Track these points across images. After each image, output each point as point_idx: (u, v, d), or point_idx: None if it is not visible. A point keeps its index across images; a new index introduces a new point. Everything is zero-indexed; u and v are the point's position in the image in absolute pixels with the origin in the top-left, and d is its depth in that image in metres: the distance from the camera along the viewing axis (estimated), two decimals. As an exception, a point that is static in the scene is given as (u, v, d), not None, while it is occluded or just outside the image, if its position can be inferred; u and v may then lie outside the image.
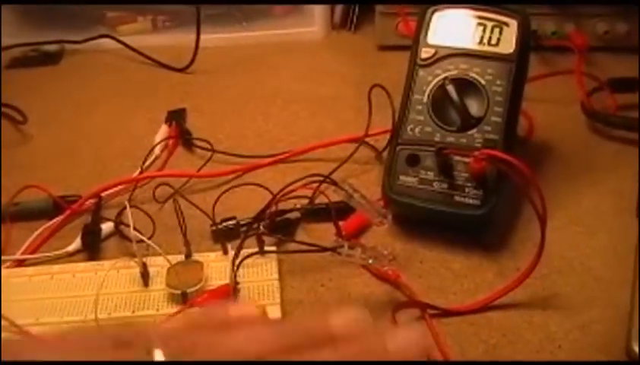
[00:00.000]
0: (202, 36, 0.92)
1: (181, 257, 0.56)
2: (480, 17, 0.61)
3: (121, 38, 0.97)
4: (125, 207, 0.60)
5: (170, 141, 0.74)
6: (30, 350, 0.32)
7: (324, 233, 0.60)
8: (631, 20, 0.85)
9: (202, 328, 0.34)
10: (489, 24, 0.61)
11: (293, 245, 0.57)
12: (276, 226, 0.59)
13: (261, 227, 0.56)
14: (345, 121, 0.77)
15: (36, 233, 0.62)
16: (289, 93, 0.84)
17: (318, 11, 0.98)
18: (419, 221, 0.60)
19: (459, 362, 0.49)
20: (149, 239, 0.58)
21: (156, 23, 1.01)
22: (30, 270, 0.58)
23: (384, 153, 0.67)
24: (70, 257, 0.60)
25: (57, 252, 0.60)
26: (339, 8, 1.00)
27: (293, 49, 0.95)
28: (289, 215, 0.60)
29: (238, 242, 0.55)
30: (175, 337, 0.33)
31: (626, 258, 0.55)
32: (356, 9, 0.99)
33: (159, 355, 0.31)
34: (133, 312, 0.52)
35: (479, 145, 0.58)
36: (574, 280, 0.55)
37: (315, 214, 0.61)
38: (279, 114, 0.80)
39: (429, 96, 0.60)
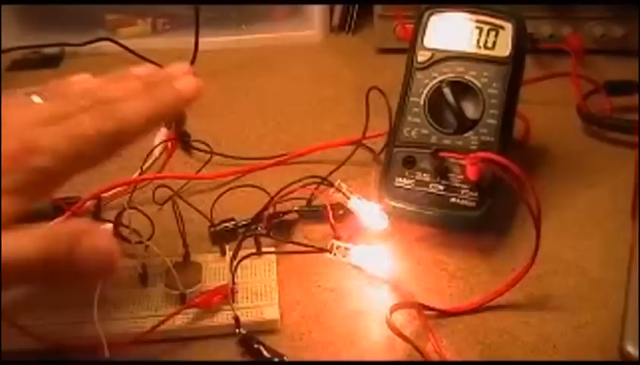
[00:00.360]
0: (201, 39, 0.92)
1: (179, 258, 0.56)
2: (476, 21, 0.62)
3: (121, 41, 0.98)
4: (124, 209, 0.60)
5: (169, 143, 0.74)
6: None
7: (321, 234, 0.60)
8: (627, 24, 0.85)
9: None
10: (485, 27, 0.61)
11: (290, 246, 0.57)
12: (274, 228, 0.59)
13: (259, 229, 0.56)
14: (343, 123, 0.77)
15: None
16: (288, 96, 0.85)
17: (317, 13, 0.98)
18: (415, 222, 0.60)
19: (458, 362, 0.49)
20: (148, 240, 0.58)
21: (155, 26, 1.02)
22: (29, 271, 0.58)
23: (382, 156, 0.67)
24: (69, 258, 0.60)
25: (56, 254, 0.60)
26: (338, 11, 1.01)
27: (292, 52, 0.96)
28: (286, 217, 0.60)
29: (236, 243, 0.56)
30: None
31: (621, 260, 0.55)
32: (355, 12, 0.99)
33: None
34: (131, 312, 0.52)
35: (475, 147, 0.58)
36: (569, 281, 0.55)
37: (313, 215, 0.61)
38: (277, 116, 0.80)
39: (425, 98, 0.61)
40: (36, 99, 0.40)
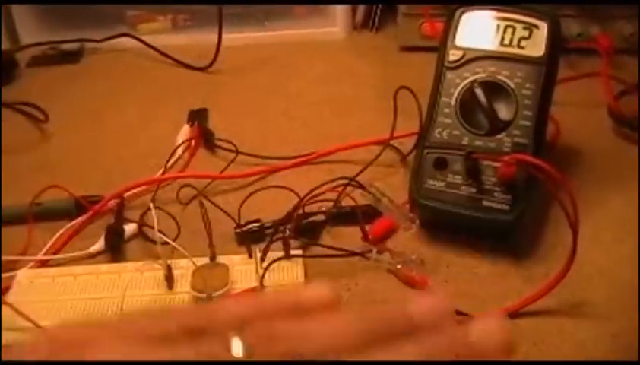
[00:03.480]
0: (223, 36, 0.91)
1: (205, 259, 0.56)
2: (508, 20, 0.60)
3: (142, 37, 0.97)
4: (148, 208, 0.59)
5: (192, 142, 0.74)
6: (73, 348, 0.26)
7: (349, 236, 0.59)
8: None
9: (274, 314, 0.29)
10: (519, 26, 0.60)
11: (319, 250, 0.56)
12: (301, 229, 0.58)
13: (287, 230, 0.55)
14: (368, 122, 0.76)
15: (59, 233, 0.62)
16: (312, 94, 0.83)
17: (340, 11, 0.97)
18: (446, 226, 0.59)
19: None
20: (173, 241, 0.58)
21: (176, 23, 1.01)
22: (52, 271, 0.57)
23: (410, 157, 0.66)
24: (92, 258, 0.60)
25: (80, 253, 0.59)
26: (361, 8, 0.99)
27: (315, 50, 0.95)
28: (314, 218, 0.59)
29: (262, 244, 0.55)
30: (248, 323, 0.28)
31: (657, 265, 0.54)
32: (378, 9, 0.98)
33: (237, 345, 0.27)
34: (158, 315, 0.52)
35: (508, 149, 0.57)
36: (603, 287, 0.54)
37: (341, 217, 0.60)
38: (302, 115, 0.79)
39: (457, 99, 0.60)
40: (237, 343, 0.27)
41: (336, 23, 0.97)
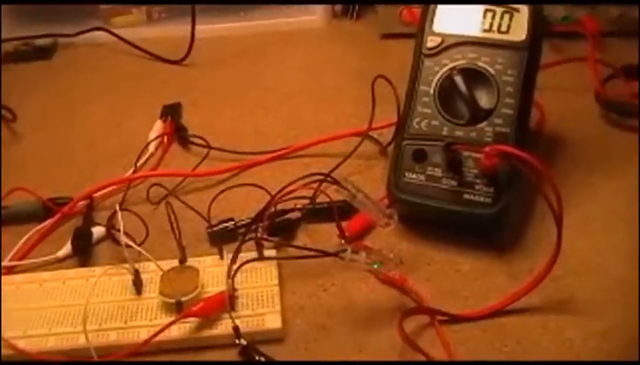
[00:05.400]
0: (198, 27, 0.89)
1: (176, 262, 0.53)
2: (489, 3, 0.58)
3: (116, 30, 0.94)
4: (115, 211, 0.57)
5: (165, 138, 0.71)
6: None
7: (326, 233, 0.57)
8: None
9: None
10: (499, 10, 0.57)
11: (293, 251, 0.53)
12: (276, 228, 0.56)
13: (260, 231, 0.53)
14: (348, 113, 0.74)
15: (25, 237, 0.60)
16: (290, 85, 0.81)
17: (319, -1, 0.94)
18: (426, 221, 0.56)
19: (460, 362, 0.46)
20: (142, 243, 0.55)
21: (151, 15, 0.98)
22: (18, 277, 0.55)
23: (390, 148, 0.64)
24: (60, 263, 0.57)
25: (47, 258, 0.57)
26: (340, -4, 0.96)
27: (293, 39, 0.92)
28: (289, 215, 0.57)
29: (236, 244, 0.52)
30: None
31: (647, 257, 0.52)
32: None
33: None
34: (125, 322, 0.49)
35: (489, 139, 0.54)
36: (591, 281, 0.52)
37: (317, 214, 0.58)
38: (279, 107, 0.77)
39: (435, 87, 0.57)
40: None
41: (315, 11, 0.95)
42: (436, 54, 0.58)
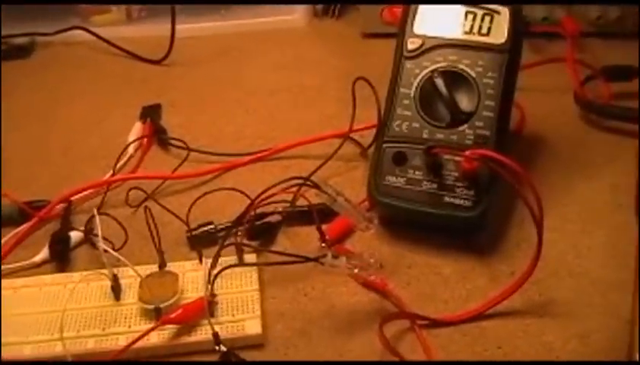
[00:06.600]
0: (178, 26, 0.88)
1: (155, 267, 0.53)
2: (469, 5, 0.58)
3: (95, 29, 0.93)
4: (93, 215, 0.56)
5: (144, 140, 0.70)
6: None
7: (307, 236, 0.57)
8: (623, 5, 0.81)
9: None
10: (479, 12, 0.57)
11: (273, 256, 0.53)
12: (256, 231, 0.55)
13: (240, 235, 0.52)
14: (329, 114, 0.73)
15: (1, 242, 0.58)
16: (270, 85, 0.80)
17: (300, -2, 0.94)
18: (406, 224, 0.56)
19: (455, 362, 0.46)
20: (121, 247, 0.55)
21: (130, 13, 0.97)
22: (-8, 283, 0.54)
23: (370, 150, 0.63)
24: (37, 268, 0.56)
25: (23, 263, 0.56)
26: (321, -5, 0.96)
27: (274, 38, 0.92)
28: (269, 219, 0.56)
29: (215, 248, 0.52)
30: None
31: (626, 258, 0.52)
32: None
33: None
34: (103, 329, 0.49)
35: (470, 142, 0.55)
36: (571, 284, 0.52)
37: (297, 217, 0.57)
38: (259, 108, 0.76)
39: (416, 89, 0.57)
40: None
41: (296, 10, 0.94)
42: (417, 56, 0.58)
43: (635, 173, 0.57)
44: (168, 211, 0.58)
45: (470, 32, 0.57)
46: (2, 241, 0.59)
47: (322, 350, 0.48)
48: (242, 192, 0.57)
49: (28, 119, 0.78)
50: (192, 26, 0.93)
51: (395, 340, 0.47)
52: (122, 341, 0.47)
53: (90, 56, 0.92)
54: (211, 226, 0.56)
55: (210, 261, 0.51)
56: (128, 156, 0.68)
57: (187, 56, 0.88)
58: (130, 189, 0.61)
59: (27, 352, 0.47)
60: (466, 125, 0.55)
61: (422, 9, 0.59)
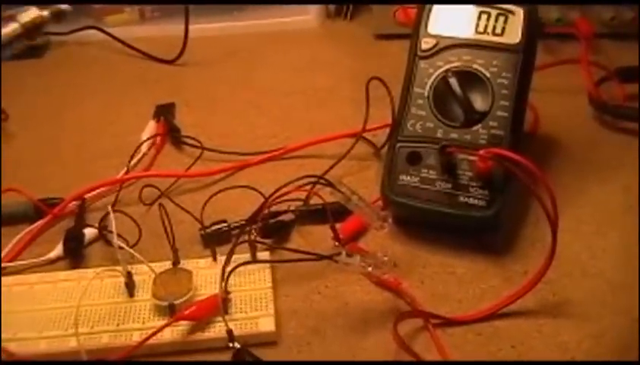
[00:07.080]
0: (192, 26, 0.88)
1: (169, 264, 0.53)
2: (483, 5, 0.58)
3: (108, 29, 0.94)
4: (107, 212, 0.56)
5: (158, 139, 0.71)
6: None
7: (320, 235, 0.57)
8: (637, 6, 0.81)
9: None
10: (494, 12, 0.57)
11: (287, 253, 0.53)
12: (269, 230, 0.55)
13: (253, 233, 0.52)
14: (342, 114, 0.73)
15: (16, 238, 0.59)
16: (283, 86, 0.81)
17: (313, -1, 0.94)
18: (421, 223, 0.56)
19: (455, 362, 0.46)
20: (135, 244, 0.55)
21: (144, 14, 0.98)
22: (9, 279, 0.54)
23: (384, 150, 0.63)
24: (51, 264, 0.56)
25: (37, 260, 0.56)
26: (334, -4, 0.96)
27: (287, 39, 0.92)
28: (283, 217, 0.57)
29: (229, 246, 0.52)
30: None
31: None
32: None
33: None
34: (117, 325, 0.49)
35: (484, 142, 0.54)
36: (585, 284, 0.51)
37: (311, 215, 0.57)
38: (272, 108, 0.76)
39: (430, 89, 0.57)
40: None
41: (309, 11, 0.94)
42: (431, 56, 0.58)
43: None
44: (182, 208, 0.58)
45: (485, 32, 0.57)
46: (17, 238, 0.59)
47: (336, 348, 0.48)
48: (255, 190, 0.57)
49: (43, 118, 0.78)
50: (205, 27, 0.93)
51: (409, 339, 0.47)
52: (136, 337, 0.47)
53: (103, 56, 0.92)
54: (225, 224, 0.56)
55: (223, 258, 0.51)
56: (141, 154, 0.68)
57: (200, 56, 0.89)
58: (144, 187, 0.61)
59: (42, 347, 0.48)
60: (480, 125, 0.55)
61: (437, 9, 0.59)
